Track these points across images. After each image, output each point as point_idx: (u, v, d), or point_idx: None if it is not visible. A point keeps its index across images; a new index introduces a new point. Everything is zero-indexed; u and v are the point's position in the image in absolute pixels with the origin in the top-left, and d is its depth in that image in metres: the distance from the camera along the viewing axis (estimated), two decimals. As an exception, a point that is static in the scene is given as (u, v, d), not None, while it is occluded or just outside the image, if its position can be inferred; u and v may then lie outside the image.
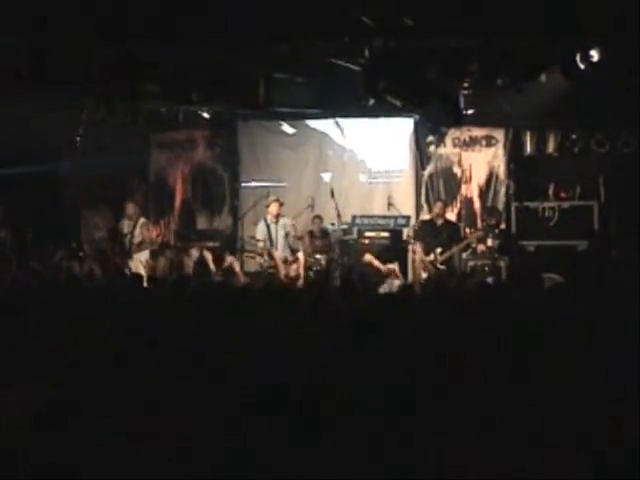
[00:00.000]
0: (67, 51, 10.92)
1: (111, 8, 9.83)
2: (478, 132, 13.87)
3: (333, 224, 13.36)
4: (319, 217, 13.48)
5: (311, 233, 13.44)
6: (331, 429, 3.30)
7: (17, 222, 13.38)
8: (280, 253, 13.11)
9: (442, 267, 12.57)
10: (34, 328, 5.02)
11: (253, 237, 13.46)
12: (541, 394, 3.65)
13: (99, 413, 3.44)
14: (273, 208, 13.22)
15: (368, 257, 12.41)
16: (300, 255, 13.06)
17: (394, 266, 12.28)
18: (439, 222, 13.09)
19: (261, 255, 13.06)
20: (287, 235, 13.22)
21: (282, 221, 13.26)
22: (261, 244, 13.10)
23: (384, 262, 12.59)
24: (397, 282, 11.77)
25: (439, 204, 13.32)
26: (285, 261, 13.08)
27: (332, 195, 13.42)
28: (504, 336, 4.57)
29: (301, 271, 12.87)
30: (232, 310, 5.72)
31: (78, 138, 13.15)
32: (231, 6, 9.91)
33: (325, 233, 13.35)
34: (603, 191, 13.11)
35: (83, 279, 10.63)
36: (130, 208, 13.45)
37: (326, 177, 14.36)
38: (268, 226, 13.11)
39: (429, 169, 14.14)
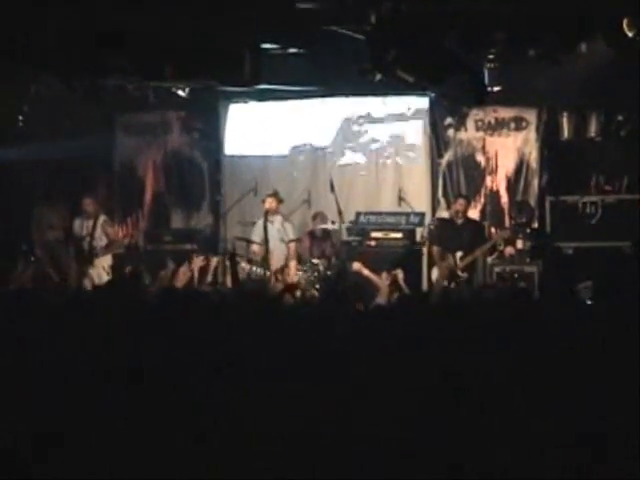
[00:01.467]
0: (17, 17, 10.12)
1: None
2: (506, 113, 13.31)
3: (334, 223, 12.58)
4: (321, 214, 12.72)
5: (311, 234, 12.68)
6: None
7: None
8: (275, 258, 12.40)
9: (463, 274, 11.97)
10: None
11: (240, 238, 12.71)
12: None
13: None
14: (268, 204, 12.52)
15: (357, 266, 11.56)
16: (292, 264, 12.37)
17: (386, 277, 11.32)
18: (459, 221, 12.46)
19: (250, 262, 12.28)
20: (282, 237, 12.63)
21: (277, 220, 12.52)
22: (256, 247, 12.47)
23: (393, 269, 11.52)
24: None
25: (460, 200, 12.64)
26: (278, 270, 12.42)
27: (332, 188, 12.58)
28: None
29: (293, 280, 12.04)
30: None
31: (20, 117, 12.53)
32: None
33: (327, 234, 12.64)
34: (655, 183, 12.72)
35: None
36: (88, 204, 12.80)
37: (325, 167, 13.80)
38: (265, 227, 12.50)
39: (447, 157, 13.52)
